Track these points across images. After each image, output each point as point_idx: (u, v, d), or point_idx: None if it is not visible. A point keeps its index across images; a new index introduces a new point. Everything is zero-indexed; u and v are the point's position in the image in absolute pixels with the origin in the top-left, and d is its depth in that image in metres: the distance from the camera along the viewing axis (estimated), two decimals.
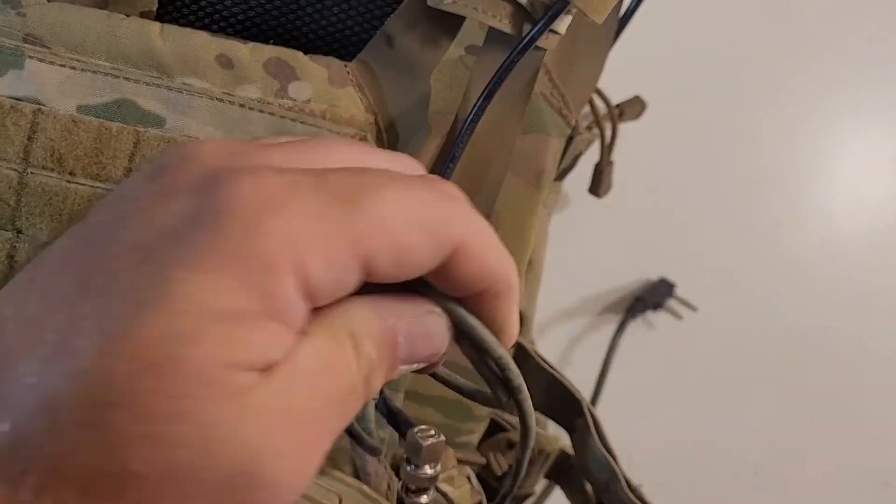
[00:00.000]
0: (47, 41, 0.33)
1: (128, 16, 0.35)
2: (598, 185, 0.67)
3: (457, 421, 0.47)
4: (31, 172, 0.33)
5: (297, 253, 0.20)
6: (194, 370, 0.19)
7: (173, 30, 0.35)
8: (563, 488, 0.51)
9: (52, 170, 0.33)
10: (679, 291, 0.78)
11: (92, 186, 0.34)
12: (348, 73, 0.36)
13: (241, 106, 0.35)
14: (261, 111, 0.35)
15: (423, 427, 0.35)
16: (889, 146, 0.82)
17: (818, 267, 0.79)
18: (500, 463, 0.49)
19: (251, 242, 0.19)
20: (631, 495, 0.42)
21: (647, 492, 0.44)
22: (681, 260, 0.78)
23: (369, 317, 0.22)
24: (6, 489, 0.18)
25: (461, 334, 0.25)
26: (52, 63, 0.33)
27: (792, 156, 0.80)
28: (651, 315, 0.79)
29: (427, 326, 0.24)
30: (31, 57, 0.33)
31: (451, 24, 0.35)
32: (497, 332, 0.25)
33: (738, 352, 0.78)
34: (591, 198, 0.69)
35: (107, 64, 0.34)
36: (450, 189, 0.23)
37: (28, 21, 0.33)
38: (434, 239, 0.22)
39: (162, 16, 0.36)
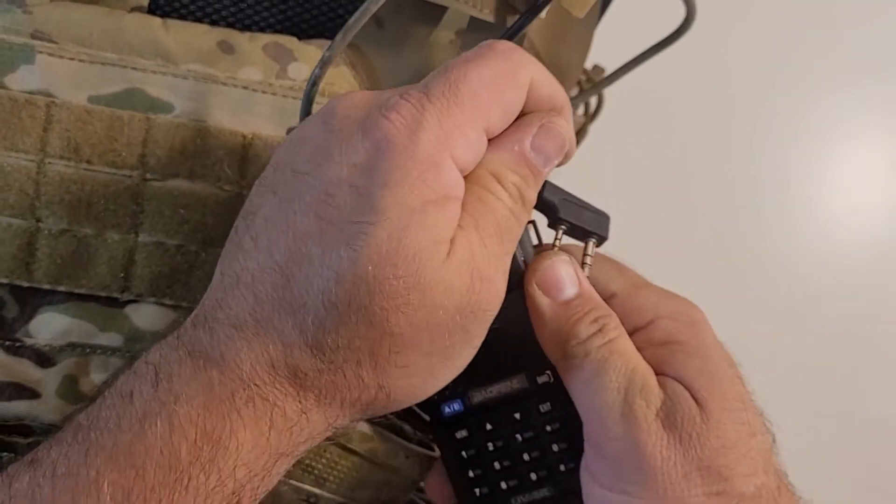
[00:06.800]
0: (55, 36, 0.35)
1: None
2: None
3: None
4: (49, 162, 0.35)
5: (447, 146, 0.28)
6: (412, 254, 0.27)
7: (174, 22, 0.36)
8: None
9: (70, 159, 0.35)
10: None
11: (109, 173, 0.35)
12: (341, 52, 0.38)
13: (245, 88, 0.36)
14: (263, 92, 0.37)
15: None
16: (885, 150, 0.80)
17: (811, 274, 0.78)
18: None
19: (416, 154, 0.28)
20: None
21: None
22: (670, 268, 0.77)
23: (498, 155, 0.31)
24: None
25: None
26: (61, 57, 0.34)
27: (783, 161, 0.78)
28: None
29: (544, 132, 0.31)
30: (40, 52, 0.34)
31: (436, 8, 0.38)
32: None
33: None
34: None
35: (114, 56, 0.35)
36: (505, 45, 0.31)
37: (35, 18, 0.34)
38: (518, 85, 0.30)
39: (153, 11, 0.38)
